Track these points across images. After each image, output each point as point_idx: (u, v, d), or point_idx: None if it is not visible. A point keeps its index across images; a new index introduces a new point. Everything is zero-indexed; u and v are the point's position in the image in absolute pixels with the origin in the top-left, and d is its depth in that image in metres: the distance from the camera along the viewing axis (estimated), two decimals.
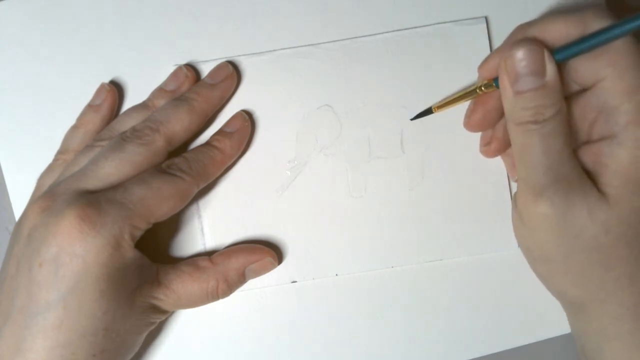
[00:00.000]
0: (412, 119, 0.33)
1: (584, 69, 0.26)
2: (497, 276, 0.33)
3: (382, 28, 0.33)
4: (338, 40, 0.33)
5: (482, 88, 0.29)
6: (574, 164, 0.26)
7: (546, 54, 0.25)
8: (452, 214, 0.33)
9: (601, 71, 0.25)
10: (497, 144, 0.31)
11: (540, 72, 0.25)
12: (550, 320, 0.33)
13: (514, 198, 0.29)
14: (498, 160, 0.33)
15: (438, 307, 0.33)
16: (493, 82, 0.28)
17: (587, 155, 0.27)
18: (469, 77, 0.33)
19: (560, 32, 0.26)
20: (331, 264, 0.33)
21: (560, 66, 0.26)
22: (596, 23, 0.25)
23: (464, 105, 0.32)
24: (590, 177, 0.26)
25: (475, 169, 0.33)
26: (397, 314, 0.33)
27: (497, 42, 0.33)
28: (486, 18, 0.33)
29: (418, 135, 0.33)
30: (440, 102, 0.32)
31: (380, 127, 0.33)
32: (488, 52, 0.33)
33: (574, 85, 0.27)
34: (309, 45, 0.33)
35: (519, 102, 0.25)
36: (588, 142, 0.27)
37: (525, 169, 0.26)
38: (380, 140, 0.33)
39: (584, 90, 0.27)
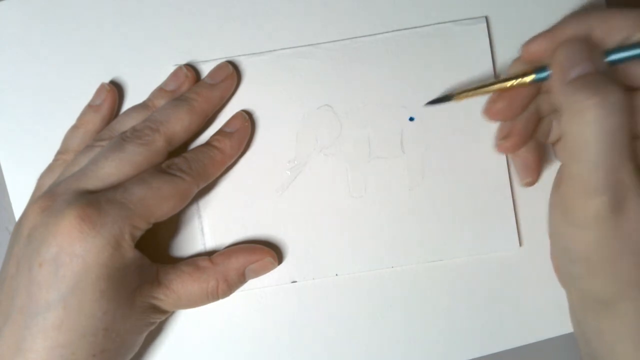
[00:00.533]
0: (426, 104, 0.32)
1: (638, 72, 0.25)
2: (497, 276, 0.33)
3: (382, 28, 0.33)
4: (338, 40, 0.33)
5: (515, 82, 0.27)
6: (632, 166, 0.24)
7: (597, 49, 0.25)
8: (452, 214, 0.33)
9: None
10: (517, 138, 0.29)
11: (598, 60, 0.25)
12: (550, 320, 0.33)
13: (558, 195, 0.27)
14: (498, 160, 0.33)
15: (438, 307, 0.33)
16: (533, 74, 0.27)
17: None
18: (469, 77, 0.33)
19: (619, 27, 0.25)
20: (331, 264, 0.33)
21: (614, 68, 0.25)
22: None
23: (464, 104, 0.31)
24: None
25: (475, 169, 0.33)
26: (397, 314, 0.33)
27: (497, 42, 0.33)
28: (486, 18, 0.33)
29: (418, 135, 0.33)
30: (462, 89, 0.30)
31: (380, 127, 0.33)
32: (488, 52, 0.33)
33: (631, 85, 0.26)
34: (309, 45, 0.33)
35: (577, 83, 0.24)
36: None
37: (581, 165, 0.24)
38: (380, 140, 0.33)
39: None
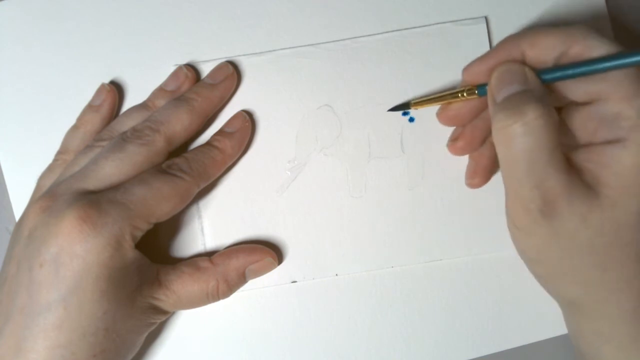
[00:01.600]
0: (388, 110, 0.33)
1: (576, 88, 0.26)
2: (497, 276, 0.33)
3: (382, 28, 0.33)
4: (338, 40, 0.33)
5: (465, 94, 0.29)
6: (561, 176, 0.25)
7: (527, 69, 0.26)
8: (452, 214, 0.33)
9: (595, 87, 0.25)
10: (463, 142, 0.31)
11: (523, 81, 0.26)
12: (550, 320, 0.33)
13: (505, 202, 0.28)
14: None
15: (438, 307, 0.33)
16: (476, 90, 0.29)
17: (587, 156, 0.26)
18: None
19: (548, 47, 0.26)
20: (331, 264, 0.33)
21: (550, 85, 0.26)
22: (581, 43, 0.26)
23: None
24: (587, 178, 0.26)
25: None
26: (397, 314, 0.33)
27: (497, 42, 0.33)
28: (486, 18, 0.33)
29: (418, 135, 0.33)
30: (419, 98, 0.32)
31: (380, 127, 0.33)
32: None
33: (568, 99, 0.27)
34: (309, 45, 0.33)
35: (501, 105, 0.26)
36: (590, 144, 0.27)
37: (512, 182, 0.26)
38: (380, 140, 0.33)
39: (582, 104, 0.27)
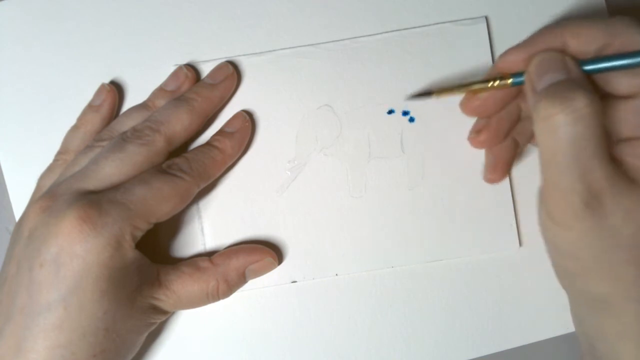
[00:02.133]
0: (408, 99, 0.32)
1: (618, 82, 0.26)
2: (497, 276, 0.33)
3: (382, 28, 0.33)
4: (338, 40, 0.33)
5: (496, 83, 0.28)
6: (607, 168, 0.24)
7: (567, 58, 0.26)
8: (453, 213, 0.33)
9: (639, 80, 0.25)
10: (487, 135, 0.30)
11: (565, 69, 0.25)
12: (550, 320, 0.33)
13: (541, 196, 0.27)
14: None
15: (438, 307, 0.33)
16: (509, 79, 0.28)
17: (630, 150, 0.25)
18: (469, 77, 0.33)
19: (591, 38, 0.26)
20: (331, 264, 0.33)
21: (591, 76, 0.26)
22: (624, 35, 0.25)
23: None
24: (630, 173, 0.25)
25: (475, 169, 0.33)
26: (397, 314, 0.33)
27: (497, 42, 0.33)
28: (486, 18, 0.33)
29: (418, 135, 0.33)
30: (443, 87, 0.30)
31: (380, 127, 0.33)
32: (488, 52, 0.33)
33: (610, 92, 0.27)
34: (309, 45, 0.33)
35: (545, 93, 0.25)
36: (632, 138, 0.26)
37: (552, 171, 0.25)
38: (380, 140, 0.33)
39: (624, 97, 0.26)
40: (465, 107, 0.30)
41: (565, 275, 0.28)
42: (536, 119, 0.25)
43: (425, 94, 0.31)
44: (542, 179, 0.26)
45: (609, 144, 0.25)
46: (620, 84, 0.26)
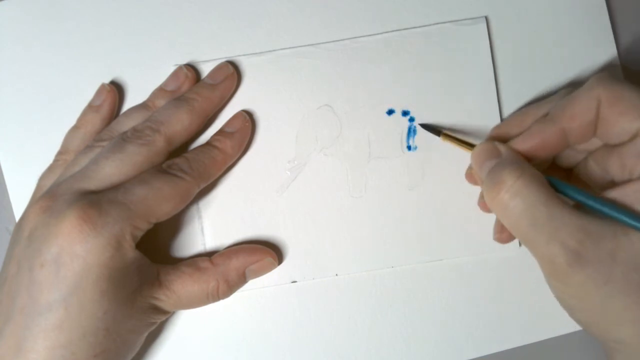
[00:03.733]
0: (420, 124, 0.33)
1: (616, 132, 0.26)
2: (497, 276, 0.33)
3: (382, 28, 0.33)
4: (338, 40, 0.33)
5: None
6: (573, 222, 0.25)
7: (496, 144, 0.28)
8: (452, 213, 0.33)
9: (635, 125, 0.26)
10: (508, 233, 0.31)
11: (496, 155, 0.27)
12: (550, 320, 0.33)
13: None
14: None
15: (438, 307, 0.33)
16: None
17: (624, 192, 0.26)
18: (469, 77, 0.33)
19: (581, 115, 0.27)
20: (331, 264, 0.33)
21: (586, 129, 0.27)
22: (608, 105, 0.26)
23: (465, 103, 0.31)
24: (625, 210, 0.25)
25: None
26: (397, 314, 0.33)
27: (497, 42, 0.33)
28: (486, 18, 0.33)
29: (418, 135, 0.33)
30: (453, 133, 0.32)
31: (380, 127, 0.33)
32: (488, 52, 0.33)
33: (603, 143, 0.28)
34: (309, 45, 0.33)
35: (484, 181, 0.27)
36: (627, 181, 0.26)
37: (528, 245, 0.26)
38: (380, 140, 0.33)
39: (618, 144, 0.27)
40: (470, 178, 0.32)
41: (581, 325, 0.28)
42: (489, 203, 0.27)
43: (435, 130, 0.32)
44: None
45: (601, 194, 0.26)
46: (618, 133, 0.26)
